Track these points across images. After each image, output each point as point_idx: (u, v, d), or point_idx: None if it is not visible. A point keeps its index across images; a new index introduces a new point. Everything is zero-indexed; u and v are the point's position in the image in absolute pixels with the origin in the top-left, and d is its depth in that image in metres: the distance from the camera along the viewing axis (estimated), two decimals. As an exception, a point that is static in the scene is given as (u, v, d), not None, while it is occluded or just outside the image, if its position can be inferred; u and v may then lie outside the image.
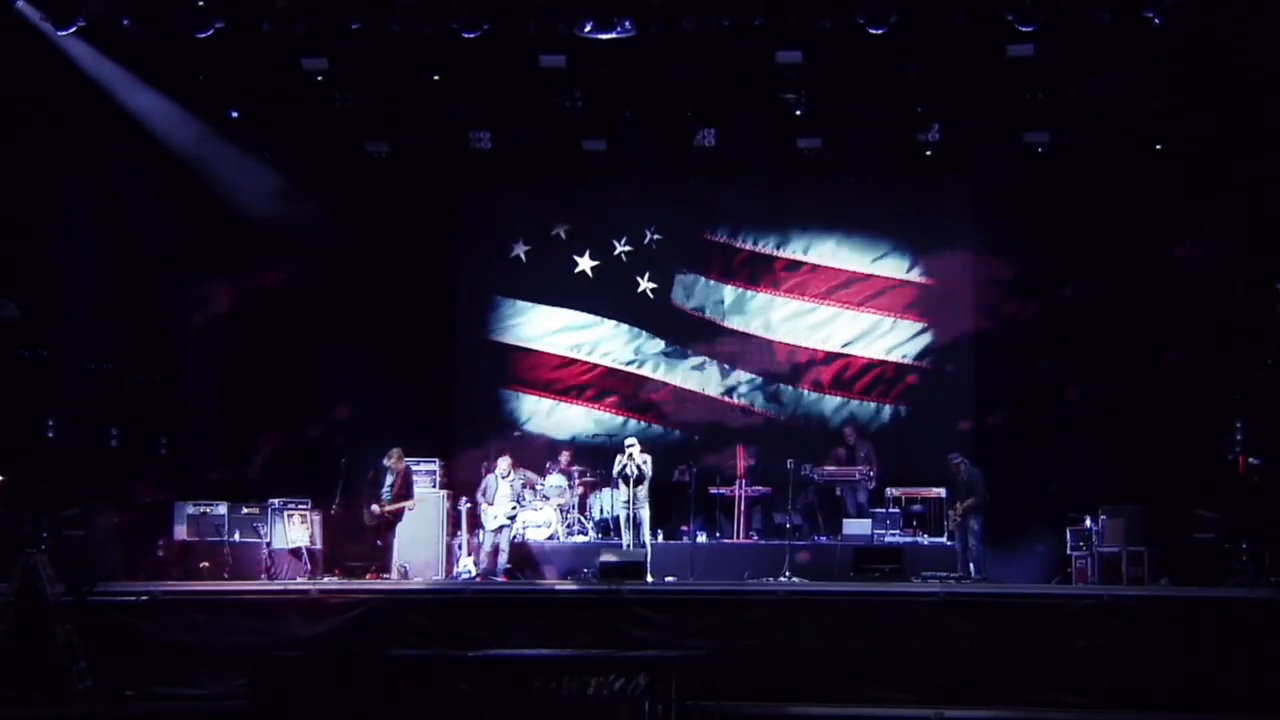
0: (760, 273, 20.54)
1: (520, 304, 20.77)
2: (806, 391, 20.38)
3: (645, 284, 20.60)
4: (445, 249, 20.67)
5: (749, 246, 20.59)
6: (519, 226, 20.79)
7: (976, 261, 19.90)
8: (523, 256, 20.75)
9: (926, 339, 20.22)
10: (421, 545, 17.67)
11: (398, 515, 17.21)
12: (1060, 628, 13.80)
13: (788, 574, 16.63)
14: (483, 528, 17.65)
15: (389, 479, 17.20)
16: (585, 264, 20.64)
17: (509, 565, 17.51)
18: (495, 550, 17.51)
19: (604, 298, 20.65)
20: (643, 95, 17.87)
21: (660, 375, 20.62)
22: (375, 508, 17.08)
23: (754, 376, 20.49)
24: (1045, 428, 18.99)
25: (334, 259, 19.81)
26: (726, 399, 20.51)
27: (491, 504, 17.60)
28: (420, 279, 20.16)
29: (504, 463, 17.88)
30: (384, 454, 17.30)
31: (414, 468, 17.88)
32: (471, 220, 20.84)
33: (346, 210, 19.69)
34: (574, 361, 20.69)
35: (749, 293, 20.54)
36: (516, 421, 20.67)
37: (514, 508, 17.72)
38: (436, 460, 18.42)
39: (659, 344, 20.64)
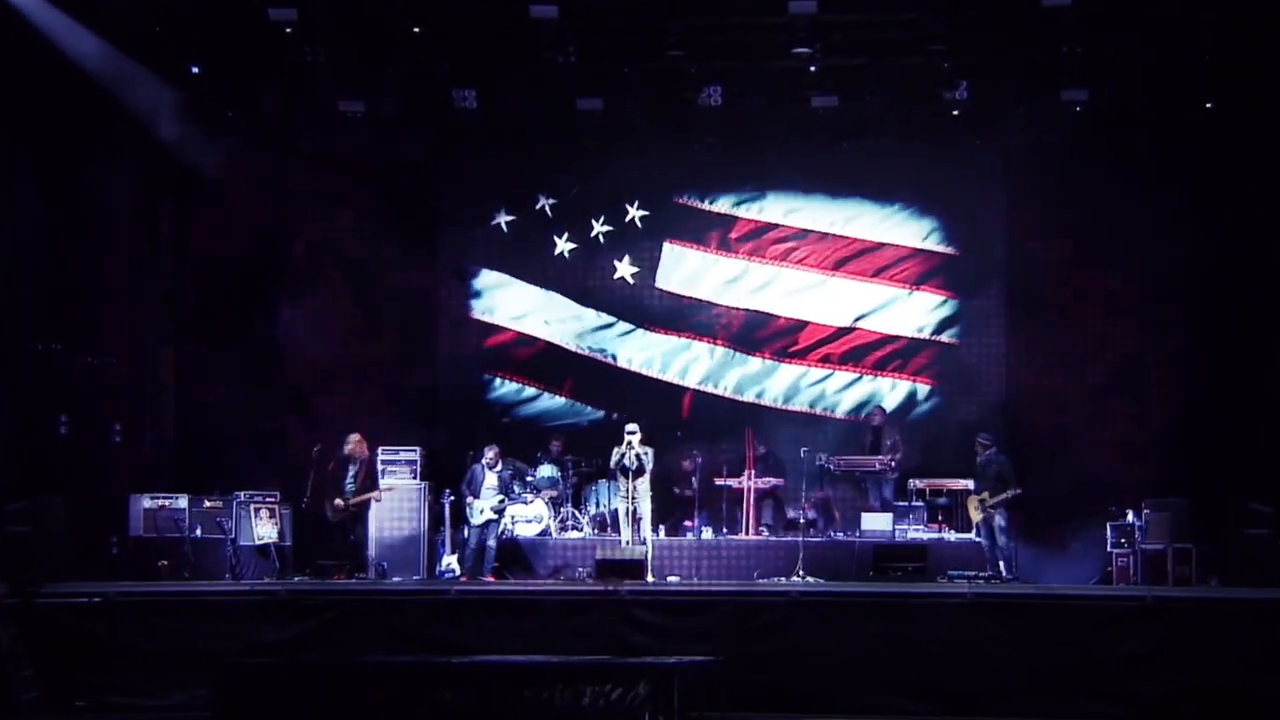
0: (767, 243, 20.43)
1: (502, 278, 20.64)
2: (817, 370, 20.26)
3: (624, 268, 20.44)
4: (425, 217, 20.54)
5: (755, 216, 20.46)
6: (503, 194, 20.66)
7: (1007, 230, 19.81)
8: (504, 226, 20.63)
9: (952, 314, 20.12)
10: (401, 542, 17.67)
11: (363, 507, 17.18)
12: (1100, 632, 13.83)
13: (801, 573, 16.61)
14: (467, 522, 17.63)
15: (351, 468, 17.18)
16: (563, 245, 20.50)
17: (496, 563, 17.50)
18: (481, 547, 17.48)
19: (588, 279, 20.53)
20: (643, 50, 17.73)
21: (658, 356, 20.51)
22: (339, 501, 17.07)
23: (760, 357, 20.37)
24: (1083, 414, 18.94)
25: (304, 227, 19.74)
26: (731, 382, 20.40)
27: (477, 496, 17.58)
28: (397, 249, 20.08)
29: (491, 451, 17.85)
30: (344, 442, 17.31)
31: (393, 456, 17.94)
32: (454, 186, 20.71)
33: (318, 174, 19.57)
34: (559, 347, 20.56)
35: (754, 265, 20.42)
36: (504, 406, 20.58)
37: (502, 501, 17.70)
38: (417, 449, 18.36)
39: (654, 327, 20.50)
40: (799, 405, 20.27)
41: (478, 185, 20.68)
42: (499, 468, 17.81)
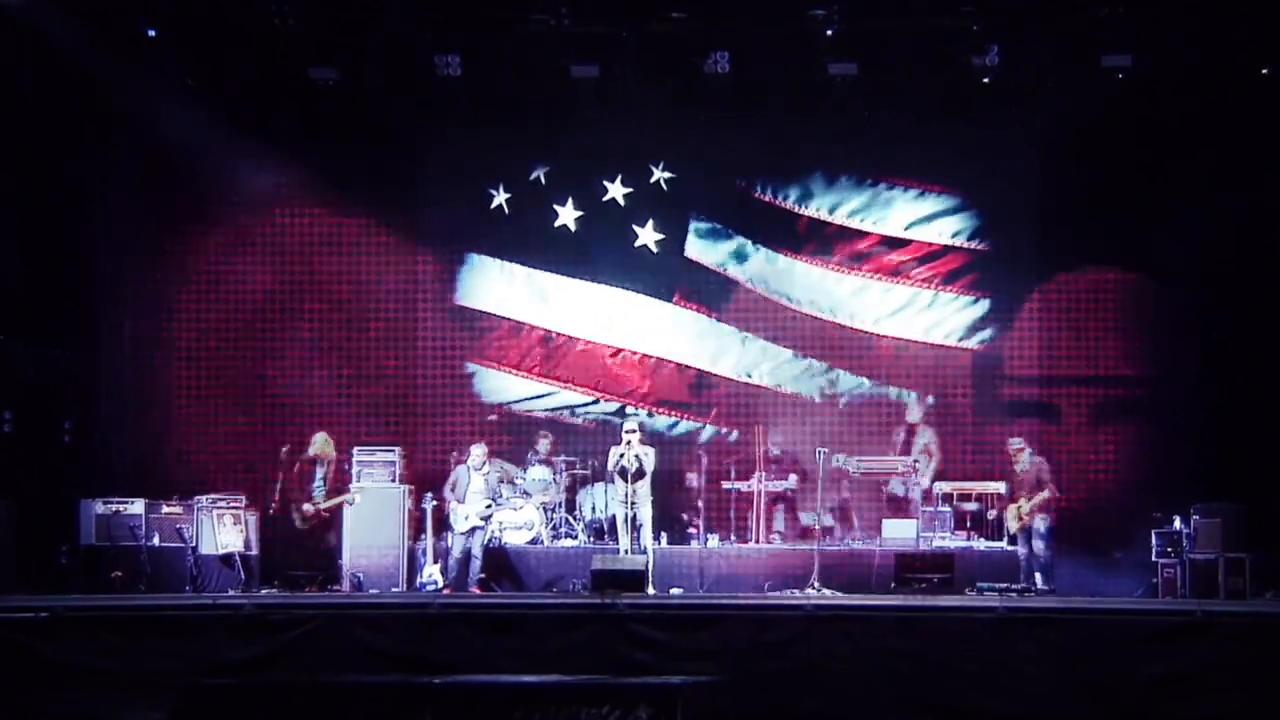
0: (780, 230, 20.39)
1: (497, 263, 20.59)
2: (841, 372, 20.22)
3: (647, 235, 20.40)
4: (406, 197, 20.51)
5: (767, 198, 20.42)
6: (495, 172, 20.61)
7: (1042, 214, 19.72)
8: (505, 206, 20.56)
9: (981, 310, 20.05)
10: (378, 551, 17.65)
11: (335, 513, 17.23)
12: (1143, 649, 13.77)
13: (816, 585, 16.61)
14: (451, 529, 17.65)
15: (319, 471, 17.23)
16: (568, 215, 20.42)
17: (482, 574, 17.50)
18: (466, 556, 17.49)
19: (598, 255, 20.47)
20: (642, 12, 17.69)
21: (665, 349, 20.46)
22: (308, 507, 17.14)
23: (777, 349, 20.33)
24: (1125, 413, 18.92)
25: (273, 209, 19.70)
26: (744, 378, 20.38)
27: (462, 501, 17.58)
28: (376, 232, 20.09)
29: (477, 452, 17.86)
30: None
31: (369, 457, 17.91)
32: (438, 164, 20.65)
33: (287, 151, 19.54)
34: (560, 334, 20.52)
35: (768, 253, 20.38)
36: (492, 403, 20.54)
37: (489, 506, 17.71)
38: (396, 449, 18.35)
39: (665, 310, 20.46)
40: (823, 400, 20.24)
41: (465, 162, 20.62)
42: (486, 470, 17.80)
